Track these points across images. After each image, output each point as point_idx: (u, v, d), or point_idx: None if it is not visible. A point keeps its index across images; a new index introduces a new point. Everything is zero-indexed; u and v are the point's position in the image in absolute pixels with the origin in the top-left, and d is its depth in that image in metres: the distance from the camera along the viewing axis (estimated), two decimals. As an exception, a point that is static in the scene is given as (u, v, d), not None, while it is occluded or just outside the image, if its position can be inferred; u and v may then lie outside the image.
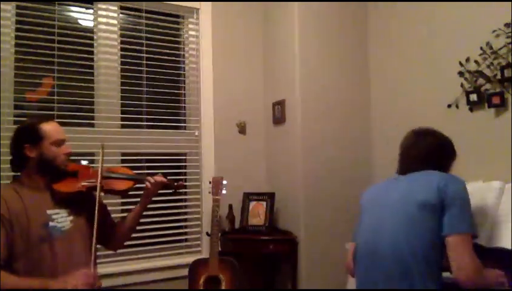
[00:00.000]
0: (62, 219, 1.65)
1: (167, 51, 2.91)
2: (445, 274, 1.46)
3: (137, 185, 1.88)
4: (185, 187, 2.02)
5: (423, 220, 1.45)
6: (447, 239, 1.41)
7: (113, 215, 1.98)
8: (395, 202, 1.57)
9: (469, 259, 1.39)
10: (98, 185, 1.68)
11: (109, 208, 1.97)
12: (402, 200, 1.54)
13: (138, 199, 1.91)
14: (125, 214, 1.98)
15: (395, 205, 1.56)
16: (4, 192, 1.61)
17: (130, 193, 1.89)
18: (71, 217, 1.68)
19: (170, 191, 2.01)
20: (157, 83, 2.85)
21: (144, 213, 1.94)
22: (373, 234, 1.58)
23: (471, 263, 1.39)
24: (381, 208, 1.62)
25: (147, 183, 1.85)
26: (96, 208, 1.62)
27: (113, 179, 1.82)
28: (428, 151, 1.67)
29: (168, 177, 1.93)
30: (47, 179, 1.69)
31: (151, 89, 2.83)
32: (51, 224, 1.61)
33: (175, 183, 1.96)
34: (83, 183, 1.73)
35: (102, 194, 1.79)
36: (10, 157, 1.71)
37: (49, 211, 1.63)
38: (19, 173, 1.72)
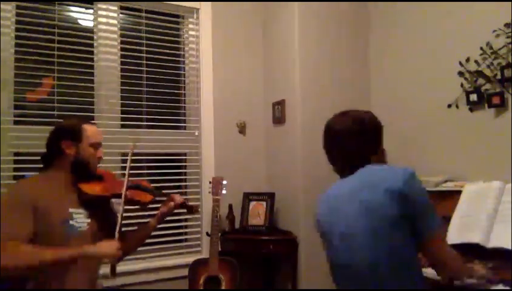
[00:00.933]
0: (81, 219, 1.68)
1: (167, 51, 2.91)
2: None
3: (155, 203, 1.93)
4: (197, 210, 2.06)
5: (392, 232, 1.30)
6: (424, 242, 1.32)
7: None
8: (355, 217, 1.36)
9: (451, 251, 1.37)
10: (124, 189, 1.72)
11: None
12: (363, 213, 1.34)
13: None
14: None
15: (357, 222, 1.36)
16: (35, 181, 1.67)
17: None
18: (89, 220, 1.71)
19: (187, 211, 2.04)
20: (157, 83, 2.85)
21: (144, 213, 1.95)
22: (345, 259, 1.41)
23: (453, 254, 1.37)
24: (343, 227, 1.41)
25: (171, 203, 1.91)
26: (120, 216, 1.67)
27: (136, 190, 1.86)
28: (360, 141, 1.49)
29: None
30: (75, 178, 1.72)
31: (151, 89, 2.83)
32: (71, 222, 1.64)
33: (190, 204, 2.01)
34: (109, 190, 1.77)
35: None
36: (44, 150, 1.74)
37: (71, 210, 1.66)
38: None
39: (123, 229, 1.99)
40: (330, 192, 1.56)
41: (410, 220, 1.30)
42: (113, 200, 1.84)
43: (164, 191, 1.95)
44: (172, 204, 1.91)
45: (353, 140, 1.50)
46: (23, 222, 1.52)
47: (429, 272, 1.49)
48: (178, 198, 1.94)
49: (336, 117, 1.66)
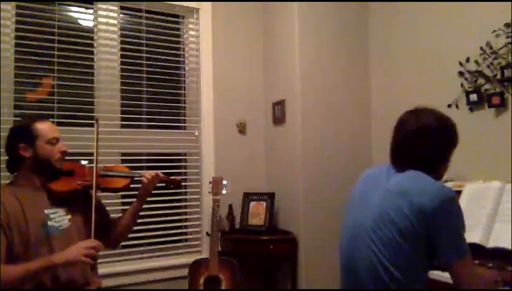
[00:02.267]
0: (60, 218, 1.66)
1: (167, 51, 2.91)
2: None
3: (136, 183, 1.88)
4: (180, 183, 2.02)
5: (404, 247, 1.27)
6: (451, 267, 1.29)
7: (112, 213, 1.99)
8: (374, 218, 1.35)
9: (473, 279, 1.31)
10: (94, 183, 1.69)
11: (108, 206, 1.98)
12: (382, 219, 1.32)
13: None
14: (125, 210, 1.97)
15: (373, 223, 1.34)
16: (3, 192, 1.61)
17: (130, 192, 1.89)
18: (69, 216, 1.69)
19: (167, 186, 2.00)
20: (157, 83, 2.85)
21: (144, 213, 1.94)
22: (353, 254, 1.41)
23: (476, 284, 1.31)
24: (359, 221, 1.41)
25: (143, 178, 1.85)
26: (93, 205, 1.64)
27: (109, 177, 1.82)
28: (424, 149, 1.40)
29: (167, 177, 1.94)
30: (43, 178, 1.69)
31: (151, 89, 2.83)
32: (49, 223, 1.62)
33: (171, 178, 1.96)
34: (79, 182, 1.73)
35: (99, 192, 1.80)
36: (6, 158, 1.71)
37: (46, 211, 1.63)
38: (15, 173, 1.71)
39: (114, 215, 1.98)
40: (372, 171, 1.55)
41: (429, 241, 1.26)
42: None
43: (139, 172, 1.90)
44: (145, 179, 1.83)
45: (422, 162, 1.39)
46: None
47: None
48: (150, 172, 1.85)
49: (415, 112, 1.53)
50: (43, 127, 1.69)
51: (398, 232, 1.28)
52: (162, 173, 1.91)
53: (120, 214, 1.95)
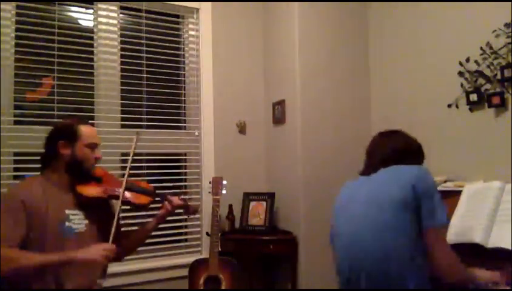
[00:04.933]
0: (78, 220, 1.68)
1: (167, 51, 2.91)
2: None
3: (154, 204, 1.92)
4: (197, 211, 2.06)
5: (398, 220, 1.42)
6: (426, 233, 1.41)
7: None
8: (366, 206, 1.52)
9: (448, 250, 1.43)
10: (120, 195, 1.72)
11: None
12: (373, 202, 1.50)
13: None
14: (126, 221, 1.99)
15: (366, 210, 1.51)
16: (30, 183, 1.66)
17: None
18: (86, 221, 1.71)
19: (184, 212, 2.04)
20: (157, 83, 2.85)
21: (145, 213, 1.95)
22: (349, 244, 1.54)
23: (450, 253, 1.43)
24: (353, 209, 1.57)
25: (166, 203, 1.90)
26: (116, 218, 1.66)
27: (134, 192, 1.85)
28: (395, 149, 1.63)
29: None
30: (72, 179, 1.71)
31: (151, 89, 2.83)
32: (67, 223, 1.64)
33: (190, 205, 2.00)
34: (106, 191, 1.76)
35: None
36: (42, 151, 1.74)
37: (67, 211, 1.66)
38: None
39: (124, 229, 1.99)
40: (351, 183, 1.73)
41: (416, 212, 1.41)
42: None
43: (164, 191, 1.93)
44: (169, 206, 1.91)
45: (395, 162, 1.62)
46: (15, 227, 1.52)
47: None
48: (176, 200, 1.93)
49: (386, 133, 1.77)
50: (86, 130, 1.74)
51: (391, 206, 1.43)
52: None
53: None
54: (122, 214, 2.17)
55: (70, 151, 1.69)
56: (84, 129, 1.73)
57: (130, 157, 1.80)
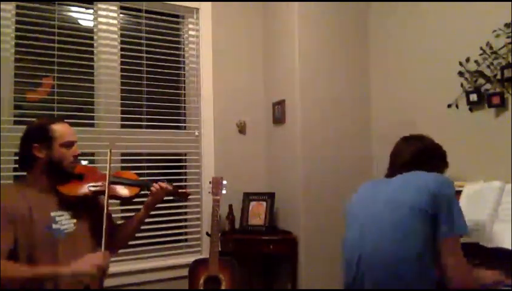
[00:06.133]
0: (65, 221, 1.64)
1: (167, 51, 2.91)
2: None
3: (142, 192, 1.87)
4: (188, 196, 2.02)
5: (412, 224, 1.43)
6: (443, 242, 1.41)
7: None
8: (382, 206, 1.54)
9: (464, 261, 1.43)
10: (106, 190, 1.66)
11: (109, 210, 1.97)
12: (390, 203, 1.52)
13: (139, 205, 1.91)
14: (123, 215, 1.97)
15: (382, 210, 1.53)
16: (9, 191, 1.61)
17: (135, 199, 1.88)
18: (74, 220, 1.67)
19: (174, 199, 2.00)
20: (157, 83, 2.85)
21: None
22: (359, 242, 1.55)
23: (465, 265, 1.43)
24: (367, 212, 1.59)
25: (153, 189, 1.85)
26: (105, 213, 1.62)
27: (119, 185, 1.81)
28: (415, 154, 1.67)
29: (168, 179, 1.94)
30: (53, 180, 1.66)
31: (151, 89, 2.83)
32: (54, 226, 1.59)
33: (180, 191, 1.96)
34: (90, 188, 1.72)
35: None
36: (18, 157, 1.69)
37: (53, 213, 1.61)
38: (23, 173, 1.70)
39: (120, 221, 1.97)
40: (370, 184, 1.76)
41: (432, 219, 1.42)
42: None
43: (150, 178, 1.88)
44: (154, 190, 1.84)
45: (418, 167, 1.65)
46: (2, 237, 1.47)
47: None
48: (162, 185, 1.86)
49: (410, 137, 1.81)
50: (60, 129, 1.67)
51: (408, 211, 1.44)
52: (163, 173, 1.90)
53: (122, 221, 1.94)
54: (113, 208, 2.12)
55: (46, 153, 1.63)
56: (57, 128, 1.66)
57: (107, 172, 1.69)
